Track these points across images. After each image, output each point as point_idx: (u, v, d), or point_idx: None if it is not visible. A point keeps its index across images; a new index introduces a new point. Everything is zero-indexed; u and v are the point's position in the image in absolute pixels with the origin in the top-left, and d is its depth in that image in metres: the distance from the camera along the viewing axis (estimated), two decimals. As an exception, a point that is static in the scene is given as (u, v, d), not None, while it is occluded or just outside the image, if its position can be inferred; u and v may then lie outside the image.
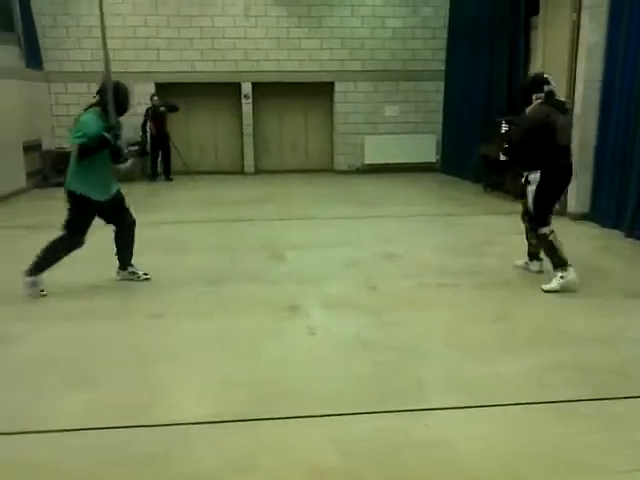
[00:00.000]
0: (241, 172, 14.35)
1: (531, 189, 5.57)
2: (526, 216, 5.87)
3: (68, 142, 5.24)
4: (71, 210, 5.36)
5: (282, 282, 5.87)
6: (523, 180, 5.66)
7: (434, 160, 14.44)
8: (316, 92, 14.40)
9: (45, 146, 12.85)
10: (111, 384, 3.79)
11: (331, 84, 14.31)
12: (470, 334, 4.55)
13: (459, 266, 6.32)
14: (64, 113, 13.15)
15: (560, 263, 5.50)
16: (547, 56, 9.38)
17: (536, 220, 5.63)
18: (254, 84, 14.05)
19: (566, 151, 5.67)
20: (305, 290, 5.60)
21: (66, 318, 4.91)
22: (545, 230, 5.56)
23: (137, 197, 11.10)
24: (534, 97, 5.59)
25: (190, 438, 3.19)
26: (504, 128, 6.64)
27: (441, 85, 14.19)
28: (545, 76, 5.70)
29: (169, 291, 5.63)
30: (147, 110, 13.02)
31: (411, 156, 14.26)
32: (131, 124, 13.09)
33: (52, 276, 5.49)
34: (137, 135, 12.72)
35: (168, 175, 13.38)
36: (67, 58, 13.45)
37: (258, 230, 8.21)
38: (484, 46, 11.77)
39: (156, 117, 12.95)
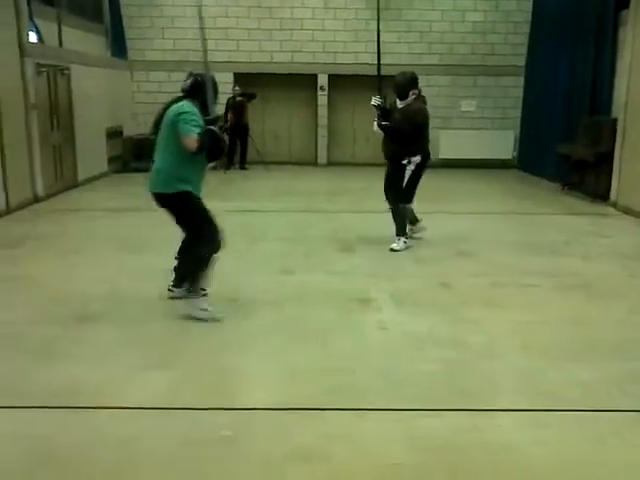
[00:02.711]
0: (314, 163, 14.42)
1: (410, 169, 6.68)
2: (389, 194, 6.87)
3: (183, 133, 4.34)
4: (183, 213, 4.66)
5: (353, 275, 5.88)
6: (405, 162, 6.65)
7: (511, 157, 14.12)
8: (390, 86, 14.25)
9: (126, 132, 13.25)
10: (187, 366, 3.89)
11: (408, 78, 14.15)
12: (547, 336, 4.43)
13: (536, 266, 6.17)
14: (144, 101, 13.52)
15: (403, 232, 6.75)
16: (636, 53, 8.99)
17: (406, 198, 6.79)
18: (330, 76, 14.07)
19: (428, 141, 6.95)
20: (376, 284, 5.59)
21: (145, 300, 5.06)
22: (409, 206, 6.88)
23: (212, 185, 11.31)
24: (410, 92, 6.62)
25: (260, 423, 3.24)
26: (377, 101, 6.80)
27: (520, 81, 13.86)
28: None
29: (243, 277, 5.72)
30: (228, 100, 13.26)
31: (487, 152, 13.99)
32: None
33: (135, 260, 5.67)
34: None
35: (243, 164, 13.58)
36: (150, 47, 13.81)
37: (330, 222, 8.24)
38: (568, 41, 11.39)
39: (235, 107, 13.16)
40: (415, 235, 7.22)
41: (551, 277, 5.80)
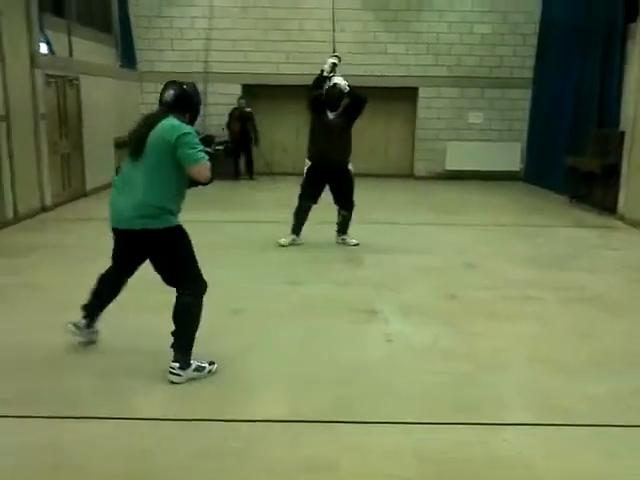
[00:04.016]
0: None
1: (352, 173, 7.37)
2: (340, 200, 7.47)
3: (186, 163, 3.64)
4: (171, 252, 3.83)
5: (360, 286, 5.87)
6: (350, 168, 7.36)
7: (518, 169, 14.11)
8: (399, 97, 14.32)
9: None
10: (195, 379, 3.88)
11: (415, 89, 14.20)
12: (554, 350, 4.41)
13: (543, 279, 6.15)
14: (153, 111, 13.57)
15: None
16: (644, 65, 8.99)
17: (351, 203, 7.54)
18: (338, 87, 14.10)
19: None
20: (383, 295, 5.58)
21: (151, 311, 5.06)
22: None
23: (220, 195, 11.37)
24: (342, 103, 7.05)
25: (270, 435, 3.24)
26: (343, 84, 7.08)
27: (528, 93, 13.85)
28: None
29: (248, 288, 5.72)
30: (233, 110, 13.33)
31: (494, 164, 13.97)
32: (214, 124, 13.52)
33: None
34: (220, 135, 13.06)
35: (251, 175, 13.64)
36: (159, 59, 13.89)
37: (334, 232, 8.23)
38: (576, 54, 11.40)
39: (241, 118, 13.23)
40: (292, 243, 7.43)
41: (558, 290, 5.78)
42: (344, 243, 7.49)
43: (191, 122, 3.85)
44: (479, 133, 14.26)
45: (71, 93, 10.45)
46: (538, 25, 13.42)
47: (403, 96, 14.29)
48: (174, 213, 3.78)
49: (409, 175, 14.55)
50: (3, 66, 8.17)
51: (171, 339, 3.84)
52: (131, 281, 4.20)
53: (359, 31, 13.90)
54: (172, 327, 3.83)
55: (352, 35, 13.91)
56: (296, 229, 7.45)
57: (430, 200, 11.39)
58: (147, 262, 3.93)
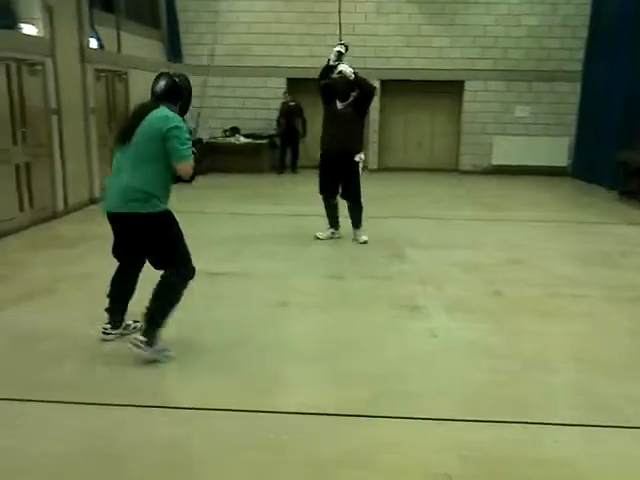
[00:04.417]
0: (363, 168, 14.36)
1: (360, 168, 7.07)
2: (344, 192, 7.21)
3: (179, 156, 3.76)
4: (159, 236, 3.90)
5: (403, 280, 5.85)
6: (357, 159, 7.04)
7: (565, 164, 13.83)
8: (444, 91, 14.19)
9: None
10: (236, 368, 3.93)
11: (460, 83, 14.04)
12: (602, 349, 4.33)
13: (591, 276, 6.03)
14: (199, 105, 13.72)
15: (361, 224, 7.26)
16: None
17: (359, 195, 7.21)
18: (382, 81, 14.04)
19: None
20: (426, 290, 5.55)
21: (193, 300, 5.13)
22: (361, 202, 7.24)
23: (264, 188, 11.47)
24: (353, 94, 6.89)
25: (309, 427, 3.26)
26: (349, 71, 6.93)
27: (576, 86, 13.56)
28: None
29: (292, 281, 5.76)
30: (282, 104, 13.45)
31: (541, 159, 13.73)
32: (260, 118, 13.64)
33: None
34: (271, 128, 13.28)
35: (294, 168, 13.70)
36: (205, 52, 14.01)
37: (379, 227, 8.20)
38: (628, 46, 11.11)
39: (288, 112, 13.32)
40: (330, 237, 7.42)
41: (607, 288, 5.66)
42: (355, 239, 7.31)
43: (182, 112, 3.95)
44: (526, 127, 14.02)
45: (120, 87, 10.64)
46: (589, 17, 13.11)
47: (448, 90, 14.15)
48: (161, 199, 3.85)
49: (454, 169, 14.40)
50: (55, 61, 8.37)
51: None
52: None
53: (404, 24, 13.82)
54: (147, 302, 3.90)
55: (396, 28, 13.86)
56: (331, 223, 7.44)
57: (475, 195, 11.26)
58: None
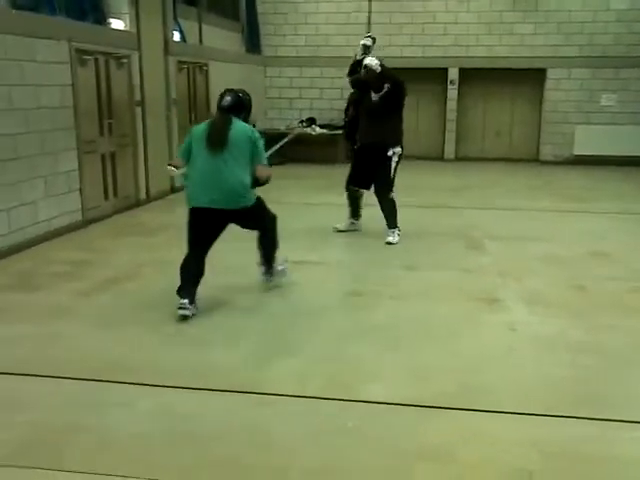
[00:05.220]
0: (441, 158, 14.21)
1: (394, 161, 6.73)
2: (374, 187, 6.87)
3: (257, 159, 4.59)
4: (260, 214, 4.89)
5: (481, 273, 5.75)
6: (390, 154, 6.69)
7: (654, 154, 13.22)
8: (525, 79, 13.81)
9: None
10: (313, 355, 3.98)
11: (542, 71, 13.62)
12: (692, 348, 4.14)
13: (680, 272, 5.76)
14: (276, 95, 13.93)
15: (396, 224, 6.77)
16: None
17: (390, 186, 6.78)
18: (461, 70, 13.80)
19: None
20: (506, 283, 5.44)
21: (273, 288, 5.22)
22: (393, 195, 6.79)
23: (338, 178, 11.48)
24: (386, 84, 6.58)
25: (386, 417, 3.26)
26: (374, 63, 6.53)
27: (669, 72, 12.92)
28: None
29: (367, 272, 5.76)
30: (350, 95, 13.37)
31: (628, 149, 13.16)
32: (341, 108, 13.66)
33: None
34: (340, 119, 13.27)
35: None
36: (283, 44, 14.16)
37: (456, 218, 8.11)
38: None
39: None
40: (348, 228, 7.24)
41: (698, 284, 5.39)
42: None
43: (244, 120, 4.68)
44: (612, 116, 13.45)
45: (200, 79, 10.88)
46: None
47: (530, 78, 13.76)
48: (253, 189, 4.65)
49: (535, 160, 14.01)
50: (140, 55, 8.64)
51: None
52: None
53: (484, 11, 13.51)
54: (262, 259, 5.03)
55: (477, 15, 13.57)
56: (352, 213, 7.26)
57: (556, 186, 10.92)
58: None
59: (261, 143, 4.60)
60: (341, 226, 7.22)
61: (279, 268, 5.13)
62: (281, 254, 5.16)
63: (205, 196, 4.52)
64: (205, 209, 4.54)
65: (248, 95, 4.82)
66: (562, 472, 2.81)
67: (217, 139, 4.51)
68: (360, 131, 7.09)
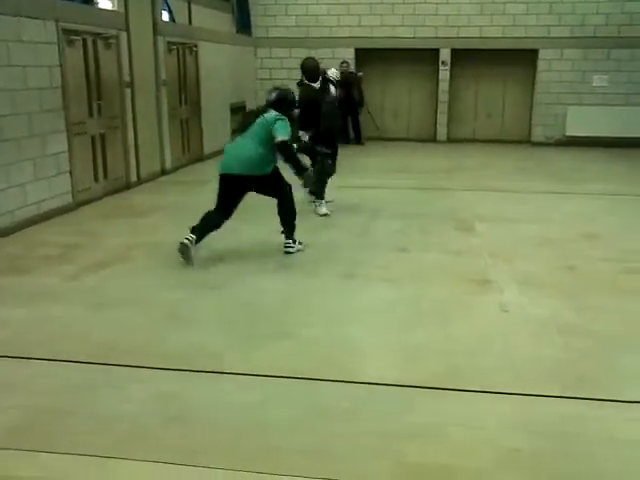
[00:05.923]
0: (433, 140, 14.18)
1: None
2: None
3: (274, 132, 5.31)
4: (278, 183, 5.58)
5: (472, 254, 5.75)
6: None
7: (645, 135, 13.23)
8: (517, 59, 13.76)
9: (249, 108, 13.56)
10: (304, 337, 3.97)
11: (534, 51, 13.57)
12: (682, 328, 4.16)
13: (671, 253, 5.78)
14: (267, 77, 13.81)
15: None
16: None
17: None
18: (453, 51, 13.73)
19: None
20: (497, 265, 5.45)
21: (265, 271, 5.22)
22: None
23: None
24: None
25: (379, 398, 3.27)
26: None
27: (661, 53, 12.90)
28: None
29: (358, 254, 5.75)
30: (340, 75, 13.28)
31: (619, 130, 13.17)
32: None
33: (251, 236, 5.86)
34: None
35: (359, 140, 13.59)
36: (273, 24, 14.03)
37: (448, 200, 8.10)
38: None
39: (344, 83, 13.15)
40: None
41: (689, 265, 5.42)
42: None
43: (287, 112, 5.61)
44: (603, 97, 13.44)
45: (190, 60, 10.78)
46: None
47: (522, 59, 13.71)
48: (270, 163, 5.47)
49: (526, 141, 14.00)
50: (129, 35, 8.53)
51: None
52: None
53: (476, -9, 13.42)
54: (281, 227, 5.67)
55: (469, -5, 13.46)
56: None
57: (548, 167, 10.93)
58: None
59: (279, 123, 5.36)
60: (324, 211, 7.20)
61: (297, 242, 5.74)
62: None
63: (227, 164, 5.48)
64: (228, 175, 5.44)
65: (291, 92, 5.87)
66: (551, 452, 2.83)
67: (242, 125, 5.63)
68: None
